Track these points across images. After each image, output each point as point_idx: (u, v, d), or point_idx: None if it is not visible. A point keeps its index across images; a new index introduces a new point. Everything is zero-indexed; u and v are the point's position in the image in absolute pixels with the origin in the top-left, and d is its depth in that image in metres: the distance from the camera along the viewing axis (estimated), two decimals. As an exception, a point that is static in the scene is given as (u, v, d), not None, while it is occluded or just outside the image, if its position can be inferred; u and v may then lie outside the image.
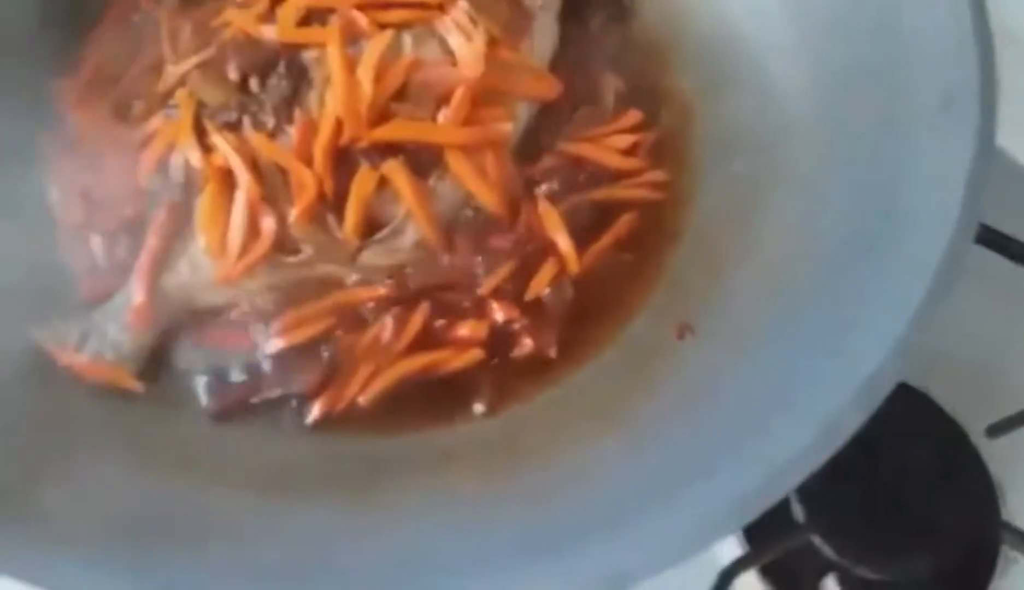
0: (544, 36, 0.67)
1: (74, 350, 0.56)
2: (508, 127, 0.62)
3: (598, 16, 0.71)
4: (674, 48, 0.69)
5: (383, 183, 0.59)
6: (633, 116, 0.66)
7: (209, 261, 0.57)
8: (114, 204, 0.60)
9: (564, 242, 0.61)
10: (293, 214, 0.57)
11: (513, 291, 0.60)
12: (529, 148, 0.64)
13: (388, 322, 0.59)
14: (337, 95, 0.58)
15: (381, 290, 0.59)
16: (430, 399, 0.58)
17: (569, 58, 0.68)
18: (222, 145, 0.57)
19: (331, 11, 0.62)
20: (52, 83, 0.64)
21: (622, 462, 0.52)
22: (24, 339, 0.56)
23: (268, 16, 0.62)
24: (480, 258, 0.61)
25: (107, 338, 0.56)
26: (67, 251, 0.60)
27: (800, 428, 0.46)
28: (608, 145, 0.65)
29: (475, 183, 0.60)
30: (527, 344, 0.60)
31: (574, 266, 0.61)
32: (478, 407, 0.58)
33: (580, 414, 0.57)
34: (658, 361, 0.58)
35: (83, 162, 0.62)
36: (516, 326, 0.60)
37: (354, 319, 0.59)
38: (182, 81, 0.62)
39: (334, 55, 0.59)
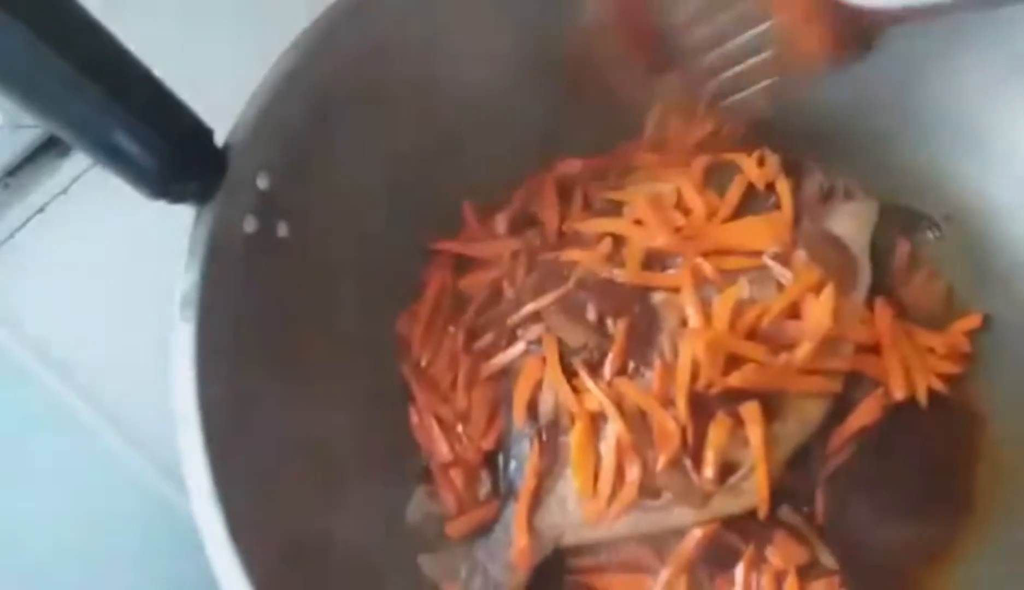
0: (864, 279, 0.68)
1: (462, 586, 0.57)
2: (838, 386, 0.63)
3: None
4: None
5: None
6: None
7: (576, 501, 0.58)
8: (473, 438, 0.62)
9: None
10: (661, 461, 0.58)
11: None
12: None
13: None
14: (697, 342, 0.60)
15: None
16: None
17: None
18: (595, 389, 0.59)
19: (667, 254, 0.65)
20: (398, 314, 0.68)
21: None
22: (414, 569, 0.58)
23: (613, 257, 0.66)
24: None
25: (490, 576, 0.57)
26: (440, 487, 0.62)
27: None
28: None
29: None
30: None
31: None
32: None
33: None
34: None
35: (436, 395, 0.65)
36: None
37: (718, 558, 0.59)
38: (536, 316, 0.64)
39: (692, 301, 0.62)
